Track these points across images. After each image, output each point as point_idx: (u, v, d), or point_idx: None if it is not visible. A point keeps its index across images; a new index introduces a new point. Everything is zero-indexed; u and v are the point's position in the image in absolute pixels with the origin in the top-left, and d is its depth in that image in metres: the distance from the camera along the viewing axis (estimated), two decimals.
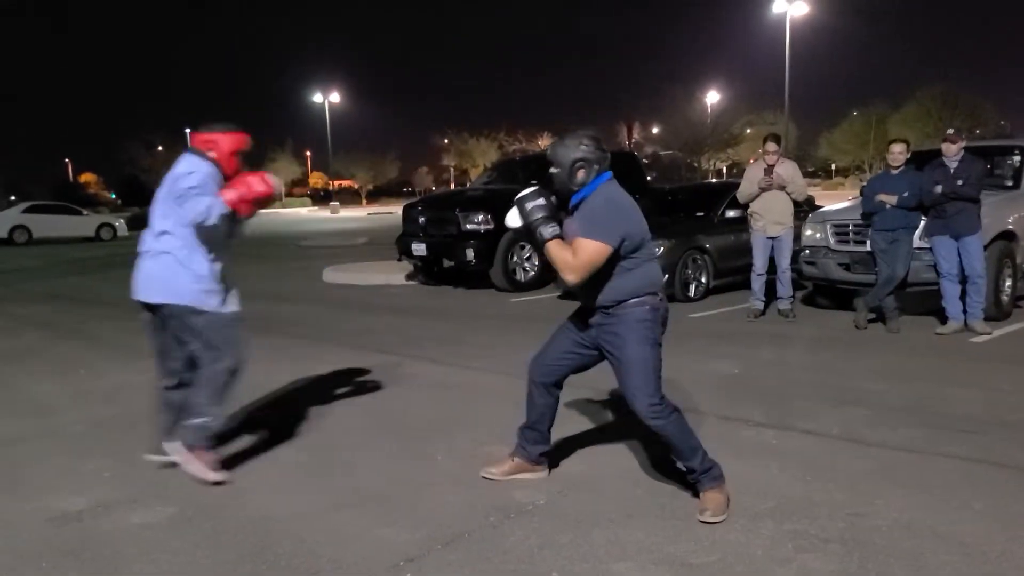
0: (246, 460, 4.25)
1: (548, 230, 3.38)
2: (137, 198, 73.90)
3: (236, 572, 3.00)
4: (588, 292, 3.44)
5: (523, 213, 3.43)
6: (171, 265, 3.83)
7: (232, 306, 4.05)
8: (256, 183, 3.79)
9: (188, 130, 75.77)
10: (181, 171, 3.79)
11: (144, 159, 71.63)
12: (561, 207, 3.52)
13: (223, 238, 3.96)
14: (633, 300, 3.40)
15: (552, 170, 3.51)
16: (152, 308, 3.97)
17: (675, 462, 3.50)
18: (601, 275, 3.35)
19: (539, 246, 3.44)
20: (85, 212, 31.95)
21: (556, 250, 3.36)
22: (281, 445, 4.47)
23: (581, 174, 3.45)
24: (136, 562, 3.10)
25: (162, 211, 3.85)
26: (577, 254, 3.30)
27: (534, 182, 3.52)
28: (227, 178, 3.88)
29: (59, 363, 6.95)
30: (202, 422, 3.87)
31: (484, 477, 3.87)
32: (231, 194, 3.73)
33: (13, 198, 43.22)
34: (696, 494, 3.46)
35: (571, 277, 3.33)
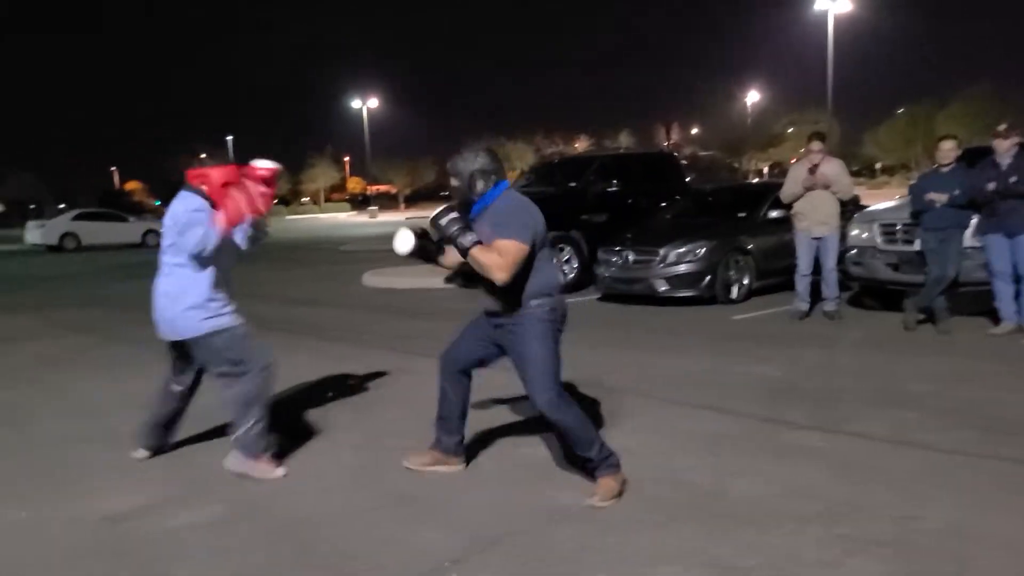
0: (289, 462, 4.28)
1: (468, 238, 3.54)
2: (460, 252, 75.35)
3: (280, 571, 3.02)
4: (499, 291, 3.61)
5: (440, 229, 3.60)
6: (180, 300, 3.97)
7: (240, 318, 4.15)
8: (241, 200, 3.96)
9: (230, 137, 77.21)
10: (177, 207, 4.02)
11: (187, 167, 73.00)
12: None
13: (230, 257, 4.14)
14: (534, 301, 3.62)
15: (452, 183, 3.76)
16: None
17: (575, 452, 3.69)
18: (520, 274, 3.56)
19: (463, 254, 3.59)
20: (131, 219, 32.67)
21: (482, 254, 3.52)
22: (324, 447, 4.50)
23: (480, 184, 3.68)
24: (179, 562, 3.14)
25: (166, 246, 4.04)
26: (502, 255, 3.49)
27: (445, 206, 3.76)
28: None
29: (108, 366, 7.10)
30: (250, 427, 4.00)
31: (406, 467, 4.05)
32: (221, 218, 3.89)
33: (62, 206, 44.35)
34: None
35: (502, 276, 3.50)
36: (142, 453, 4.35)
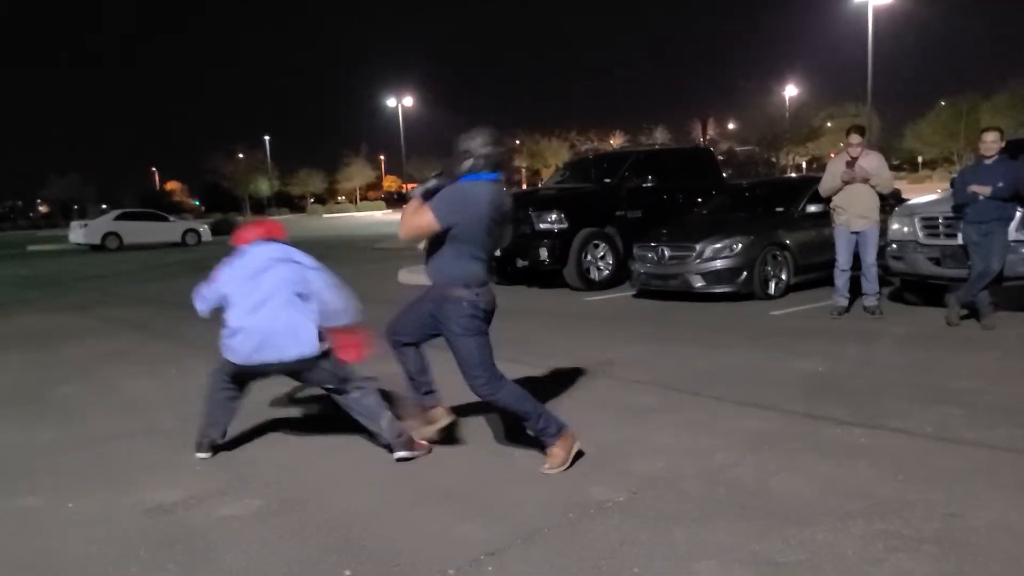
0: (329, 456, 4.34)
1: (418, 191, 3.95)
2: (219, 204, 76.59)
3: (321, 564, 3.07)
4: (433, 264, 3.99)
5: (426, 186, 3.96)
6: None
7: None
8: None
9: (267, 137, 77.93)
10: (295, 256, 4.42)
11: (226, 167, 74.17)
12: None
13: None
14: (454, 291, 3.89)
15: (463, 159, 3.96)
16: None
17: (525, 427, 4.01)
18: (439, 252, 3.91)
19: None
20: (171, 219, 33.27)
21: (408, 207, 3.91)
22: (362, 441, 4.54)
23: (465, 164, 3.88)
24: (227, 552, 3.20)
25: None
26: (414, 216, 3.84)
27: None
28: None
29: (152, 363, 7.25)
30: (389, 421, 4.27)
31: (424, 443, 4.30)
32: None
33: (105, 206, 45.28)
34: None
35: (400, 231, 3.92)
36: (203, 455, 4.38)
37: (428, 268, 4.05)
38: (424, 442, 4.27)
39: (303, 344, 4.12)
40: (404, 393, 4.47)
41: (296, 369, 4.25)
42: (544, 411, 3.97)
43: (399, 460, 4.15)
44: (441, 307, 3.95)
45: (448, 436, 4.51)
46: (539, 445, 4.29)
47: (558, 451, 3.89)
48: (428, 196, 3.90)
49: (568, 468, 3.88)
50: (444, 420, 4.34)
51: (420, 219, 3.83)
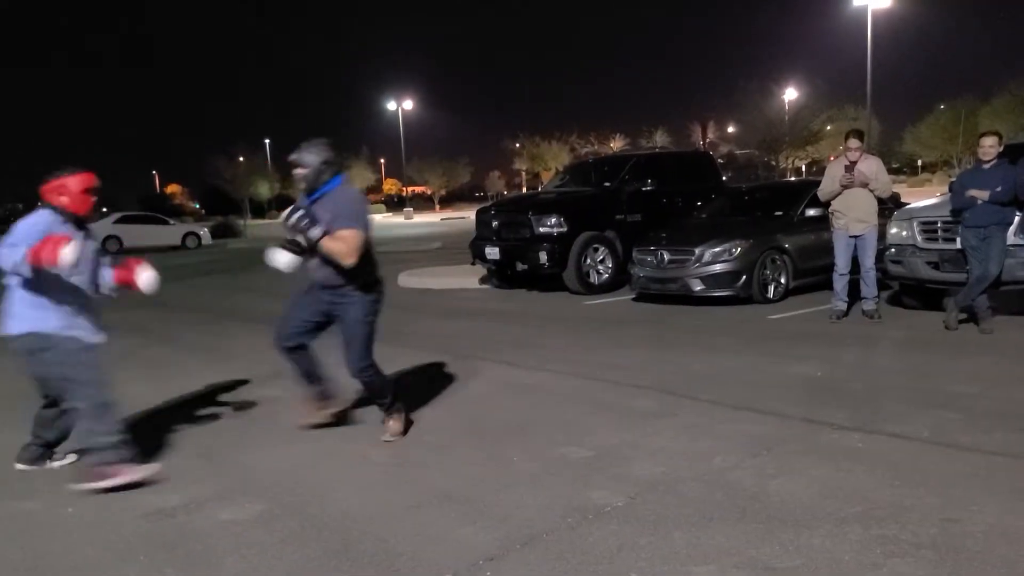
0: (328, 460, 4.36)
1: (317, 231, 4.14)
2: (220, 207, 76.57)
3: (322, 568, 3.08)
4: (333, 273, 4.26)
5: (291, 228, 4.18)
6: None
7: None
8: (49, 249, 3.65)
9: (267, 140, 78.08)
10: (23, 221, 3.89)
11: (226, 170, 74.21)
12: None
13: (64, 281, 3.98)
14: (362, 285, 4.31)
15: (299, 171, 4.31)
16: None
17: (377, 403, 4.64)
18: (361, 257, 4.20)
19: (312, 247, 4.21)
20: (172, 222, 33.27)
21: (330, 243, 4.14)
22: (361, 446, 4.56)
23: (326, 175, 4.29)
24: (226, 556, 3.21)
25: None
26: (348, 242, 4.13)
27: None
28: (80, 218, 4.05)
29: (151, 366, 7.26)
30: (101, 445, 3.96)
31: (304, 426, 4.71)
32: (31, 250, 3.67)
33: (105, 209, 45.21)
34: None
35: (350, 260, 4.16)
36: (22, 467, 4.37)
37: (327, 273, 4.30)
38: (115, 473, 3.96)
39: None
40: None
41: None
42: (395, 391, 4.69)
43: (81, 489, 3.93)
44: (344, 299, 4.34)
45: (447, 440, 4.52)
46: (539, 449, 4.32)
47: (398, 424, 4.63)
48: (303, 225, 4.15)
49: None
50: (336, 407, 4.81)
51: (353, 240, 4.16)
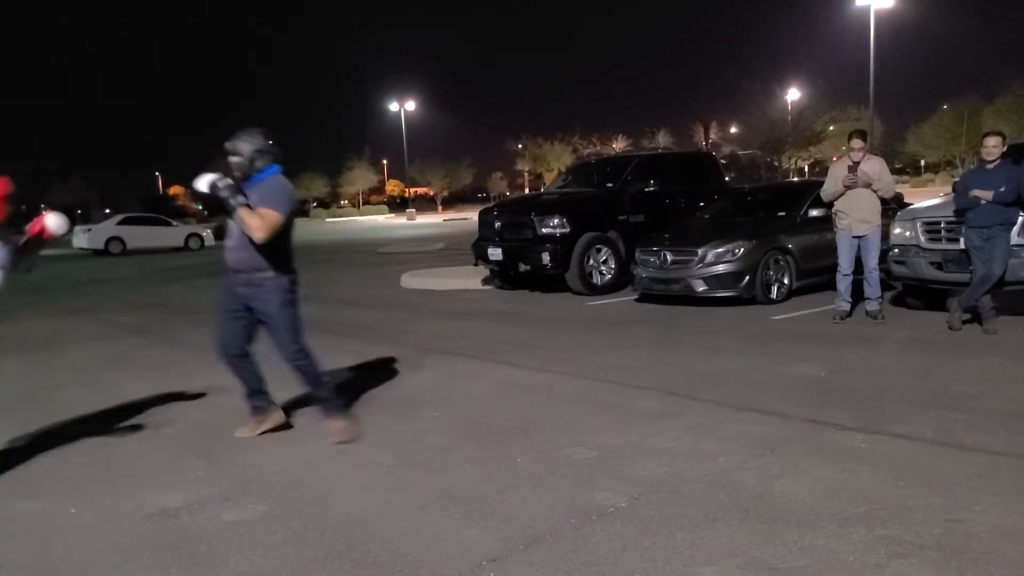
0: (331, 461, 4.36)
1: (238, 199, 4.30)
2: (223, 209, 76.67)
3: (325, 569, 3.08)
4: (249, 256, 4.39)
5: (215, 188, 4.33)
6: None
7: None
8: None
9: (269, 142, 78.28)
10: None
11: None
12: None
13: None
14: (275, 273, 4.44)
15: (234, 159, 4.47)
16: None
17: (315, 397, 4.74)
18: (271, 242, 4.33)
19: (230, 210, 4.34)
20: (175, 223, 33.29)
21: (247, 214, 4.28)
22: (364, 446, 4.56)
23: (260, 162, 4.46)
24: (230, 557, 3.21)
25: None
26: (264, 218, 4.28)
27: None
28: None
29: (153, 367, 7.26)
30: None
31: (239, 437, 4.72)
32: None
33: (108, 211, 45.31)
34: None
35: (260, 235, 4.28)
36: None
37: (240, 256, 4.45)
38: None
39: None
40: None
41: None
42: (333, 387, 4.82)
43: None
44: (259, 290, 4.46)
45: (450, 441, 4.52)
46: (542, 449, 4.32)
47: (340, 423, 4.67)
48: (227, 192, 4.31)
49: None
50: (279, 420, 4.87)
51: (271, 219, 4.30)
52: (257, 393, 4.79)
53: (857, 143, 7.74)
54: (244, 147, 4.46)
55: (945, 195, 8.65)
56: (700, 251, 9.16)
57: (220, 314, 4.66)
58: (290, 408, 5.39)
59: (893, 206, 8.83)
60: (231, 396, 5.60)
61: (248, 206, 4.31)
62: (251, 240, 4.34)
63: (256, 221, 4.29)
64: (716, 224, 10.28)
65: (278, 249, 4.45)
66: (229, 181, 4.36)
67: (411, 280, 13.48)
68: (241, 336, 4.65)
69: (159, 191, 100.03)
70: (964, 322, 7.14)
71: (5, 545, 3.46)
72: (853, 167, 7.66)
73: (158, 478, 4.19)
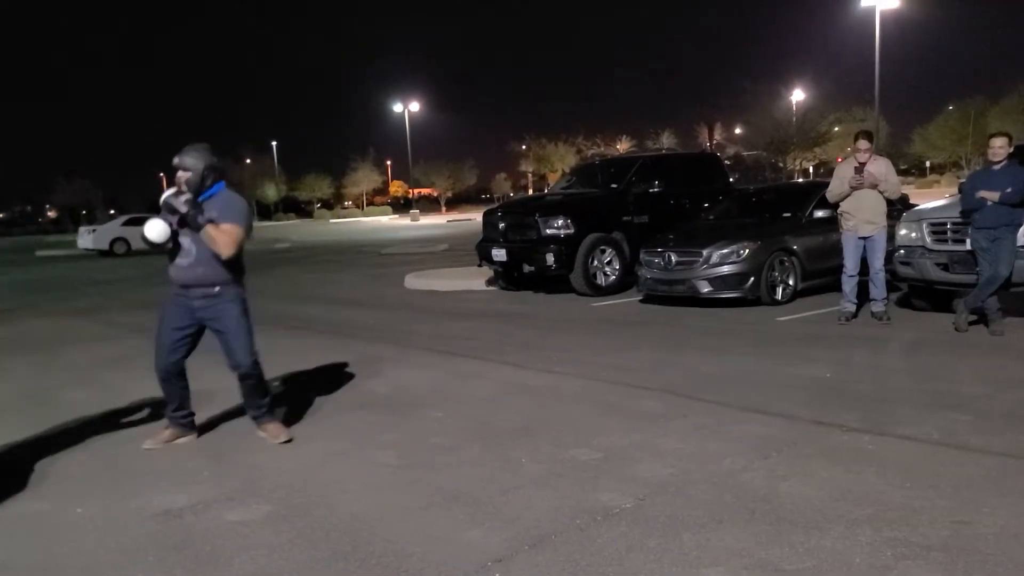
0: (335, 461, 4.35)
1: (203, 218, 4.32)
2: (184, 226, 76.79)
3: (330, 569, 3.08)
4: (211, 271, 4.42)
5: (174, 207, 4.32)
6: None
7: None
8: None
9: (274, 143, 78.30)
10: None
11: (233, 173, 74.47)
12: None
13: None
14: (233, 286, 4.52)
15: (183, 174, 4.40)
16: None
17: (252, 407, 4.73)
18: (212, 255, 4.37)
19: (196, 229, 4.34)
20: None
21: (214, 231, 4.32)
22: (369, 447, 4.56)
23: (210, 179, 4.45)
24: (235, 557, 3.21)
25: None
26: (231, 235, 4.35)
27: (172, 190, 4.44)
28: None
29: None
30: None
31: (146, 449, 4.65)
32: None
33: (112, 212, 45.37)
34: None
35: (228, 251, 4.36)
36: None
37: (199, 272, 4.44)
38: None
39: None
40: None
41: None
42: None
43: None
44: (218, 301, 4.48)
45: (454, 441, 4.52)
46: (547, 450, 4.31)
47: (277, 426, 4.74)
48: (190, 211, 4.31)
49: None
50: (189, 437, 4.82)
51: (235, 235, 4.38)
52: (181, 406, 4.76)
53: (863, 144, 7.72)
54: (195, 163, 4.42)
55: (951, 196, 8.64)
56: (705, 252, 9.14)
57: (167, 332, 4.58)
58: (293, 409, 5.40)
59: (899, 207, 8.81)
60: (234, 397, 5.60)
61: (213, 222, 4.34)
62: (213, 255, 4.38)
63: (224, 238, 4.34)
64: (721, 225, 10.26)
65: (236, 261, 4.50)
66: (189, 196, 4.35)
67: (415, 281, 13.48)
68: (186, 353, 4.64)
69: (163, 192, 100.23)
70: (970, 323, 7.12)
71: (11, 545, 3.46)
72: (859, 168, 7.65)
73: (163, 478, 4.19)
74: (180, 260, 4.51)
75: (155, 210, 4.43)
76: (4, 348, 8.82)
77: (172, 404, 4.74)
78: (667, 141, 66.86)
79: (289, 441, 4.66)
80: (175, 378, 4.66)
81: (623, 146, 69.86)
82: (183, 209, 4.32)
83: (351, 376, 6.37)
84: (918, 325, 7.64)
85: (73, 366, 7.56)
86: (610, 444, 4.36)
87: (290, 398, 5.51)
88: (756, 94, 51.01)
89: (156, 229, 4.39)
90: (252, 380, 4.62)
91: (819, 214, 9.21)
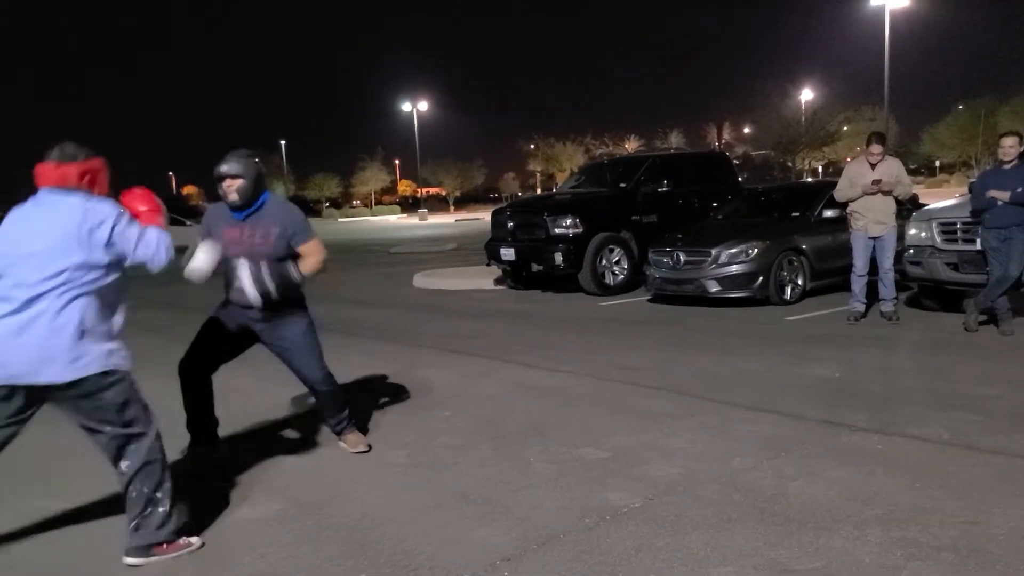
0: (345, 460, 4.37)
1: (294, 269, 4.08)
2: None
3: (339, 568, 3.09)
4: (273, 291, 3.99)
5: (269, 286, 3.97)
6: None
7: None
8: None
9: (283, 142, 78.45)
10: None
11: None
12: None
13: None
14: (299, 296, 4.24)
15: (236, 183, 4.01)
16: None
17: (328, 418, 4.49)
18: (278, 266, 4.04)
19: (301, 282, 4.13)
20: (189, 223, 33.42)
21: (307, 265, 4.11)
22: (378, 446, 4.57)
23: (261, 187, 4.10)
24: (244, 555, 3.23)
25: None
26: (318, 252, 4.15)
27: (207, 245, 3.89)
28: None
29: (168, 366, 7.27)
30: (161, 514, 3.25)
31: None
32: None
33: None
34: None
35: (320, 265, 4.16)
36: None
37: (267, 285, 3.96)
38: (185, 542, 3.30)
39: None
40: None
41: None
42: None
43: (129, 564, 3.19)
44: (285, 316, 4.16)
45: (463, 441, 4.52)
46: (556, 450, 4.31)
47: (356, 436, 4.52)
48: (289, 271, 4.08)
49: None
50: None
51: (319, 249, 4.16)
52: (208, 415, 4.44)
53: (876, 148, 7.69)
54: (247, 171, 4.00)
55: (961, 196, 8.60)
56: (713, 252, 9.13)
57: (214, 329, 4.30)
58: (301, 408, 5.42)
59: (908, 207, 8.78)
60: (247, 395, 5.64)
61: (296, 262, 4.08)
62: (265, 262, 4.00)
63: (315, 261, 4.13)
64: (729, 224, 10.25)
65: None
66: (266, 268, 3.95)
67: (424, 280, 13.50)
68: (225, 355, 4.35)
69: (172, 191, 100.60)
70: (980, 323, 7.09)
71: (22, 543, 3.49)
72: (876, 182, 7.56)
73: (173, 476, 4.20)
74: (237, 282, 4.05)
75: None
76: None
77: (197, 413, 4.42)
78: (676, 141, 66.80)
79: (368, 450, 4.45)
80: (204, 377, 4.39)
81: (631, 145, 69.87)
82: (281, 282, 4.00)
83: (360, 375, 6.39)
84: (927, 325, 7.62)
85: None
86: (618, 443, 4.36)
87: (299, 397, 5.52)
88: (765, 93, 50.93)
89: (203, 261, 3.83)
90: (326, 398, 4.37)
91: (828, 214, 9.19)
